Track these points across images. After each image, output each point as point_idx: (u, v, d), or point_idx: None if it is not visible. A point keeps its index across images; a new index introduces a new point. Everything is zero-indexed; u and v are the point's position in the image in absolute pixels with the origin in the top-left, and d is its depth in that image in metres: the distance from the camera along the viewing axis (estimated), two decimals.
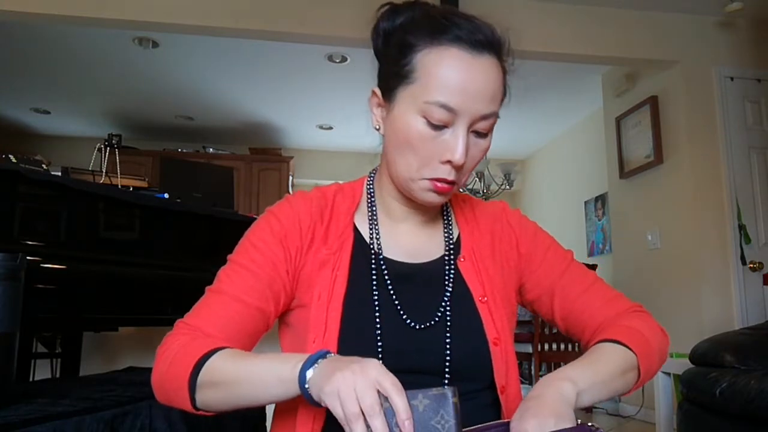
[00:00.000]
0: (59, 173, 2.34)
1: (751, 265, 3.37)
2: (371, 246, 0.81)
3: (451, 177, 0.74)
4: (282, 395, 0.64)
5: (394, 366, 0.71)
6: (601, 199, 5.12)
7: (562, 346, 4.09)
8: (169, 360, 0.70)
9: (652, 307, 4.22)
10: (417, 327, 0.76)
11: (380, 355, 0.73)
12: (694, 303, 3.37)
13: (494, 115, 0.75)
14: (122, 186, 2.63)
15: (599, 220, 5.19)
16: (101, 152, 3.84)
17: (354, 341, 0.74)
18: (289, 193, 5.93)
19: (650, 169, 3.73)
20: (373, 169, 0.90)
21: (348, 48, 3.85)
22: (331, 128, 5.78)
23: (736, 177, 3.46)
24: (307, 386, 0.61)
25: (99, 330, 2.60)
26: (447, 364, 0.75)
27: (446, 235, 0.85)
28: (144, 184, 2.86)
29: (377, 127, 0.81)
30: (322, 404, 0.59)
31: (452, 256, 0.83)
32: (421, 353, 0.75)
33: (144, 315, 2.25)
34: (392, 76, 0.76)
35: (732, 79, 3.57)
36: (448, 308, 0.78)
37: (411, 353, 0.75)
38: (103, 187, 2.22)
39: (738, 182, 3.45)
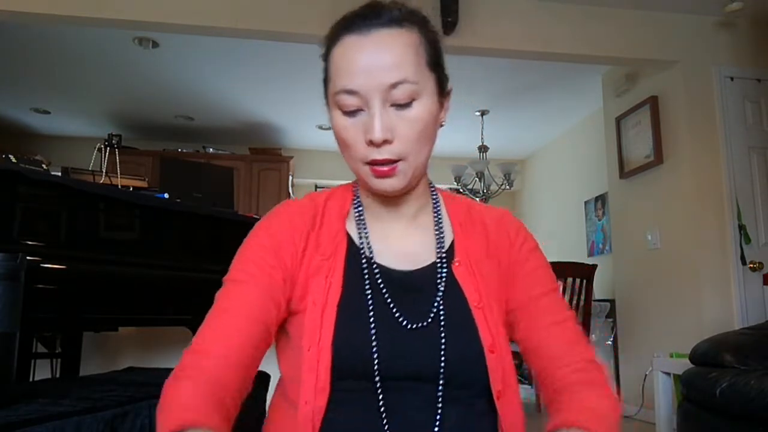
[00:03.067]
0: (59, 173, 2.34)
1: (751, 265, 3.37)
2: (362, 251, 0.80)
3: (381, 156, 0.73)
4: None
5: (389, 370, 0.72)
6: (601, 199, 5.12)
7: None
8: (160, 408, 0.67)
9: (652, 307, 4.22)
10: (411, 327, 0.75)
11: (375, 357, 0.72)
12: (694, 303, 3.37)
13: (405, 82, 0.72)
14: (122, 186, 2.63)
15: (599, 220, 5.19)
16: (101, 152, 3.84)
17: (348, 344, 0.73)
18: (289, 192, 5.94)
19: (650, 169, 3.73)
20: None
21: None
22: (330, 128, 5.77)
23: (736, 177, 3.46)
24: None
25: (99, 330, 2.60)
26: (442, 367, 0.73)
27: (438, 238, 0.83)
28: (144, 184, 2.85)
29: None
30: None
31: (445, 262, 0.81)
32: (416, 355, 0.74)
33: (144, 315, 2.25)
34: (323, 83, 0.80)
35: (732, 79, 3.56)
36: (441, 308, 0.77)
37: (405, 355, 0.74)
38: (103, 187, 2.22)
39: (738, 182, 3.45)
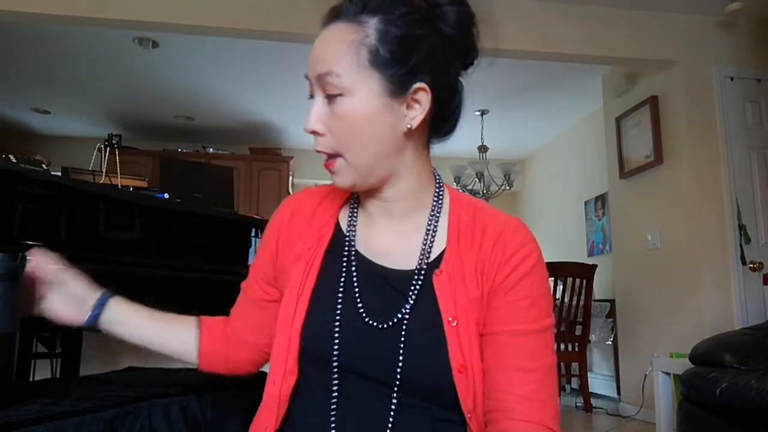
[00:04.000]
0: (59, 173, 2.34)
1: (751, 265, 3.37)
2: (346, 240, 0.81)
3: (317, 146, 0.77)
4: None
5: (346, 363, 0.73)
6: (601, 199, 5.12)
7: (562, 347, 4.09)
8: None
9: (652, 307, 4.23)
10: (373, 324, 0.74)
11: (335, 351, 0.73)
12: (694, 303, 3.37)
13: (331, 74, 0.72)
14: (122, 186, 2.63)
15: (599, 220, 5.19)
16: (101, 152, 3.84)
17: (314, 335, 0.75)
18: (289, 193, 5.94)
19: (650, 169, 3.73)
20: None
21: None
22: None
23: (736, 177, 3.46)
24: None
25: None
26: (399, 374, 0.71)
27: (424, 244, 0.78)
28: (144, 184, 2.86)
29: None
30: None
31: (425, 270, 0.76)
32: (372, 354, 0.73)
33: None
34: None
35: (732, 79, 3.56)
36: (407, 316, 0.73)
37: (362, 351, 0.73)
38: (103, 187, 2.22)
39: (738, 182, 3.45)
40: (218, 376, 0.97)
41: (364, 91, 0.72)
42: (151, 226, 2.04)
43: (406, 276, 0.77)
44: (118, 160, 3.34)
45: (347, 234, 0.81)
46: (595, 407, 4.05)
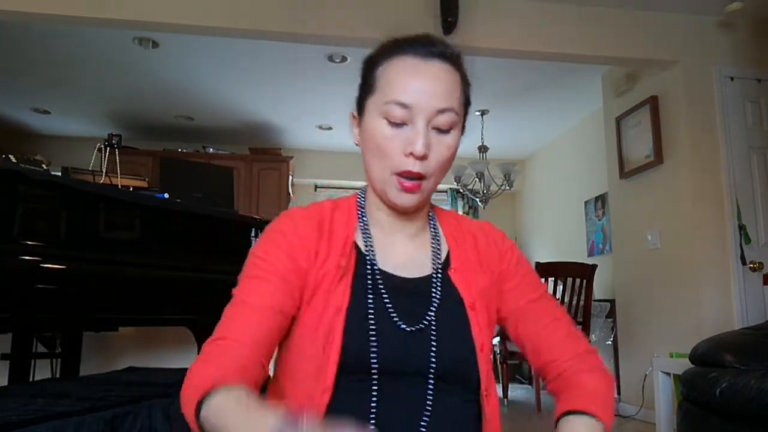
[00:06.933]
0: (59, 173, 2.34)
1: (751, 265, 3.37)
2: (368, 259, 0.87)
3: (416, 169, 0.81)
4: None
5: (385, 368, 0.79)
6: (601, 199, 5.12)
7: None
8: (185, 387, 0.72)
9: (652, 307, 4.22)
10: (407, 329, 0.82)
11: (374, 356, 0.78)
12: (694, 303, 3.37)
13: (451, 111, 0.82)
14: (122, 186, 2.63)
15: (599, 220, 5.19)
16: (101, 152, 3.84)
17: (353, 345, 0.79)
18: (289, 192, 5.93)
19: (650, 169, 3.73)
20: (363, 188, 0.96)
21: (348, 48, 3.84)
22: (330, 128, 5.78)
23: (736, 177, 3.46)
24: None
25: (99, 330, 2.61)
26: (432, 367, 0.81)
27: (434, 249, 0.92)
28: (144, 184, 2.86)
29: (357, 143, 0.89)
30: None
31: (441, 271, 0.89)
32: (410, 354, 0.81)
33: (143, 315, 2.26)
34: (362, 92, 0.88)
35: (732, 79, 3.57)
36: (434, 314, 0.84)
37: (400, 354, 0.80)
38: (103, 187, 2.22)
39: (738, 182, 3.45)
40: None
41: (459, 127, 0.86)
42: (151, 226, 2.04)
43: (426, 281, 0.88)
44: (118, 160, 3.34)
45: (366, 253, 0.87)
46: None
